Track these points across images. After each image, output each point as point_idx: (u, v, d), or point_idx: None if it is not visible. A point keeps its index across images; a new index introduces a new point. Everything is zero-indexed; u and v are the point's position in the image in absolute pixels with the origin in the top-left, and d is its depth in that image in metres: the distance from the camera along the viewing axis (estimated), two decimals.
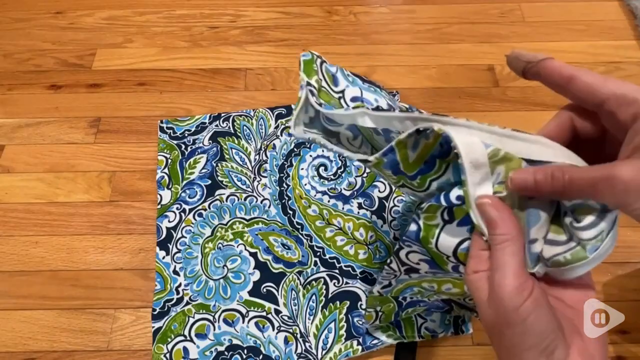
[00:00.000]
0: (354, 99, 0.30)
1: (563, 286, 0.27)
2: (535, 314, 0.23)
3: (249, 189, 0.58)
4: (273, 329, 0.49)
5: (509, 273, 0.24)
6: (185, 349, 0.48)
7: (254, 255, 0.53)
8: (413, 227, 0.30)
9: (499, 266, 0.25)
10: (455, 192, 0.27)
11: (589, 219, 0.24)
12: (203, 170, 0.59)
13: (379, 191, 0.57)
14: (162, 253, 0.53)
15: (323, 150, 0.60)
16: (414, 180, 0.30)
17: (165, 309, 0.50)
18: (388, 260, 0.36)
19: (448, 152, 0.26)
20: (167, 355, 0.48)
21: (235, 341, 0.48)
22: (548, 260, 0.26)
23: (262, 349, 0.48)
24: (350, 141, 0.33)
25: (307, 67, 0.30)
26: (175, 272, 0.52)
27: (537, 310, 0.23)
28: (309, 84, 0.29)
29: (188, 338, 0.49)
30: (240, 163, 0.59)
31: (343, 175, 0.58)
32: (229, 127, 0.62)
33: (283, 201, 0.57)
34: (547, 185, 0.24)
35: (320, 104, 0.29)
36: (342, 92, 0.30)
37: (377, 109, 0.29)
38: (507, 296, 0.24)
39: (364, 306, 0.50)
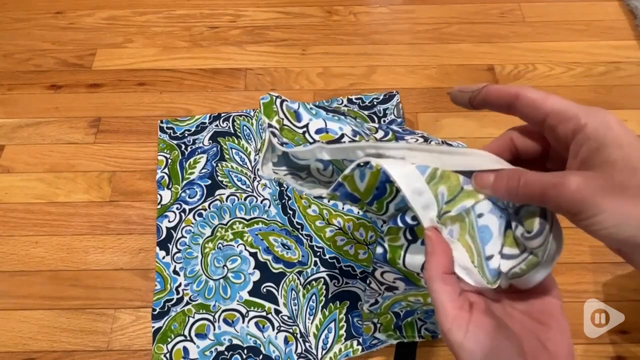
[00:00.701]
0: (318, 131, 0.30)
1: (527, 299, 0.27)
2: (481, 345, 0.23)
3: (249, 189, 0.58)
4: (273, 329, 0.49)
5: (441, 310, 0.25)
6: (185, 349, 0.48)
7: (254, 255, 0.53)
8: (379, 249, 0.30)
9: (434, 304, 0.25)
10: (411, 213, 0.28)
11: (535, 226, 0.25)
12: (203, 170, 0.59)
13: None
14: (162, 253, 0.53)
15: None
16: (371, 205, 0.31)
17: (165, 309, 0.50)
18: (367, 281, 0.36)
19: None
20: (167, 355, 0.48)
21: (235, 341, 0.48)
22: (507, 273, 0.26)
23: (262, 349, 0.48)
24: (321, 172, 0.33)
25: (267, 109, 0.31)
26: (175, 272, 0.52)
27: (481, 342, 0.24)
28: (270, 125, 0.30)
29: (188, 338, 0.49)
30: (240, 163, 0.59)
31: None
32: (229, 127, 0.62)
33: (283, 201, 0.57)
34: (502, 185, 0.25)
35: (282, 143, 0.30)
36: (306, 126, 0.31)
37: (340, 138, 0.30)
38: (447, 333, 0.24)
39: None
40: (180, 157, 0.60)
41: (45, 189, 0.59)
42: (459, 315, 0.24)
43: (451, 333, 0.24)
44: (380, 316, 0.46)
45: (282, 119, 0.31)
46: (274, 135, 0.30)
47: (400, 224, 0.28)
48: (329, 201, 0.56)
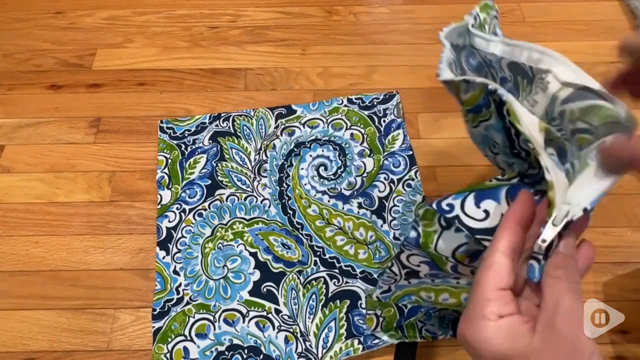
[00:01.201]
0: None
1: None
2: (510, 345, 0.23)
3: (249, 189, 0.58)
4: (273, 329, 0.49)
5: (495, 273, 0.24)
6: (185, 349, 0.48)
7: (254, 255, 0.53)
8: (413, 233, 0.31)
9: (488, 261, 0.25)
10: (446, 201, 0.29)
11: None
12: (203, 170, 0.59)
13: (379, 191, 0.57)
14: (162, 253, 0.53)
15: (323, 150, 0.60)
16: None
17: (166, 309, 0.50)
18: (389, 264, 0.36)
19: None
20: (168, 355, 0.48)
21: (235, 341, 0.48)
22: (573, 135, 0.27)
23: (262, 348, 0.48)
24: (470, 71, 0.36)
25: (484, 7, 0.35)
26: (176, 272, 0.52)
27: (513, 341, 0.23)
28: (478, 15, 0.35)
29: (188, 338, 0.49)
30: (240, 163, 0.59)
31: (343, 175, 0.58)
32: (229, 127, 0.62)
33: (283, 201, 0.57)
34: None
35: (475, 22, 0.34)
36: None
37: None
38: (485, 302, 0.24)
39: (364, 305, 0.50)
40: (180, 157, 0.60)
41: (45, 189, 0.59)
42: (504, 296, 0.24)
43: (490, 305, 0.23)
44: (384, 308, 0.46)
45: (486, 22, 0.34)
46: (475, 19, 0.35)
47: (434, 206, 0.29)
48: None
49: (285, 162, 0.59)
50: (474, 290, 0.25)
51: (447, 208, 0.29)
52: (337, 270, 0.52)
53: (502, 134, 0.34)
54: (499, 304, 0.24)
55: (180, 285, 0.51)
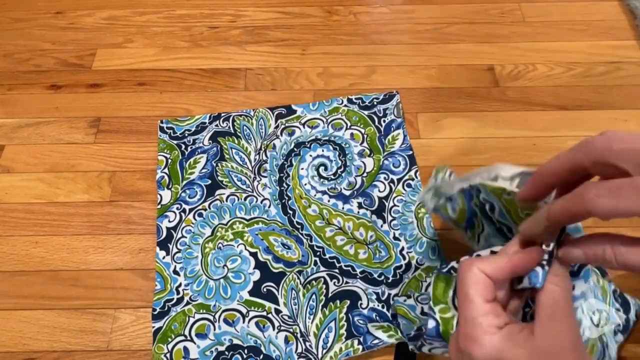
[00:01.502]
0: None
1: None
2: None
3: (249, 189, 0.58)
4: (273, 329, 0.49)
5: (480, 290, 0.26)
6: (185, 349, 0.48)
7: (254, 255, 0.53)
8: (431, 323, 0.32)
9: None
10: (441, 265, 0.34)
11: None
12: (203, 170, 0.59)
13: (379, 191, 0.57)
14: (162, 253, 0.53)
15: (323, 150, 0.60)
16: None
17: (166, 308, 0.50)
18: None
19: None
20: (168, 355, 0.48)
21: (235, 341, 0.48)
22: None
23: (262, 348, 0.48)
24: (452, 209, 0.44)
25: (437, 171, 0.43)
26: (176, 272, 0.52)
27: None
28: (436, 176, 0.42)
29: (188, 338, 0.49)
30: (240, 163, 0.59)
31: (343, 175, 0.58)
32: (229, 127, 0.62)
33: (283, 201, 0.57)
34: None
35: (436, 182, 0.42)
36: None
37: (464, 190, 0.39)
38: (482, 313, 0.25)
39: (364, 306, 0.50)
40: (180, 157, 0.60)
41: (45, 189, 0.59)
42: (495, 310, 0.25)
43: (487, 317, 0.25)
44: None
45: (444, 178, 0.42)
46: (436, 179, 0.42)
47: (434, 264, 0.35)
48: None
49: (285, 162, 0.59)
50: (464, 306, 0.26)
51: (442, 266, 0.34)
52: (337, 270, 0.52)
53: (499, 237, 0.38)
54: (494, 316, 0.25)
55: (180, 285, 0.51)
